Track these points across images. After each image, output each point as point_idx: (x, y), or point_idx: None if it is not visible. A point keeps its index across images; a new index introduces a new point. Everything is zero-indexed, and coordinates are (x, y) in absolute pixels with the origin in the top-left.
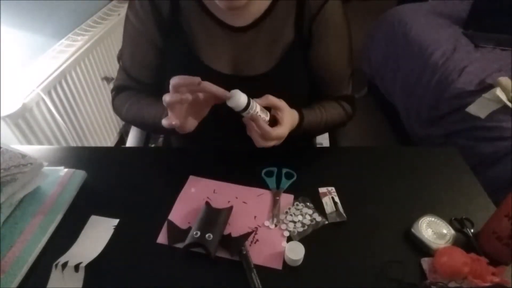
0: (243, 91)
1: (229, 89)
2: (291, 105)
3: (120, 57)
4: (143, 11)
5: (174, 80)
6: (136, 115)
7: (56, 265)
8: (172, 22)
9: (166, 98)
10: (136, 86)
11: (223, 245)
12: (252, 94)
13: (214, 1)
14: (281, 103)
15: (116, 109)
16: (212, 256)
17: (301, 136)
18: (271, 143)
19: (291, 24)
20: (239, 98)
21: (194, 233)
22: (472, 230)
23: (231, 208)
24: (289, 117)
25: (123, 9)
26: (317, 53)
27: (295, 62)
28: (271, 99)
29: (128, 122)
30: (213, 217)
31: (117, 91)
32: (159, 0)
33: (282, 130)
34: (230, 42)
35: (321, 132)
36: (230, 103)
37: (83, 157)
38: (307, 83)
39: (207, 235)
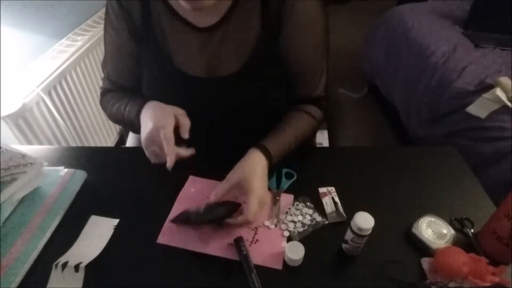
0: (216, 92)
1: (204, 92)
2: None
3: (103, 66)
4: (117, 21)
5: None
6: (117, 115)
7: (56, 265)
8: (145, 28)
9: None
10: (120, 89)
11: (207, 213)
12: (226, 94)
13: (179, 1)
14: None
15: (103, 108)
16: (193, 222)
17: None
18: (260, 207)
19: (257, 16)
20: None
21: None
22: (472, 230)
23: (239, 204)
24: (255, 182)
25: None
26: (286, 42)
27: (265, 56)
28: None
29: (113, 121)
30: (219, 205)
31: (103, 93)
32: (129, 4)
33: (253, 199)
34: (200, 43)
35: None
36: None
37: (83, 157)
38: (281, 76)
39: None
